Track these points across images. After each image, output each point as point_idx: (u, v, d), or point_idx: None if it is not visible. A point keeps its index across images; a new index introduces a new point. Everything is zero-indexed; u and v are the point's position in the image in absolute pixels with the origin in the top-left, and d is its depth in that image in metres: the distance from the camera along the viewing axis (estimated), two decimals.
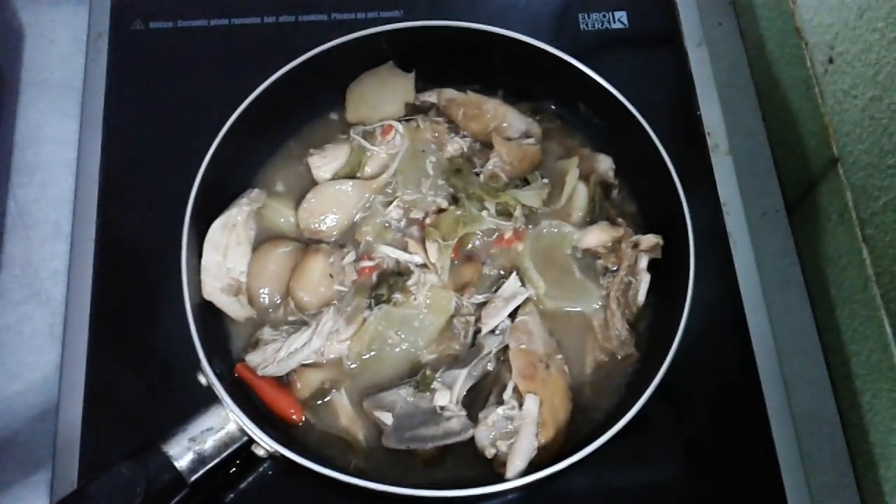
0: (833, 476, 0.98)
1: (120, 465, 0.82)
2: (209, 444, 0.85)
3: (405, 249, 0.98)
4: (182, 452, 0.84)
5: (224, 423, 0.86)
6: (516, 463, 0.86)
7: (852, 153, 0.96)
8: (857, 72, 0.94)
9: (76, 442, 0.95)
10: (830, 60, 1.00)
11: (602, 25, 1.19)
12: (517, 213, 0.99)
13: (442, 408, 0.90)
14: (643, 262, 0.97)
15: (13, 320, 1.04)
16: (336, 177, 1.02)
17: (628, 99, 1.00)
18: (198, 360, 0.88)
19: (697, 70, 1.16)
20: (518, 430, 0.87)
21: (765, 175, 1.13)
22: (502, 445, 0.88)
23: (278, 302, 0.98)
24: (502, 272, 0.99)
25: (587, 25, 1.19)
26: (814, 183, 1.05)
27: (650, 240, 0.97)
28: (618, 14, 1.19)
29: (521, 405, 0.88)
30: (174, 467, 0.84)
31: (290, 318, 0.97)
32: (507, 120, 1.04)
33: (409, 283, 0.95)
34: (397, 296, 0.95)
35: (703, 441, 0.99)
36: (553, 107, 1.09)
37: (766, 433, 0.98)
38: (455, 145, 1.03)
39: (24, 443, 0.98)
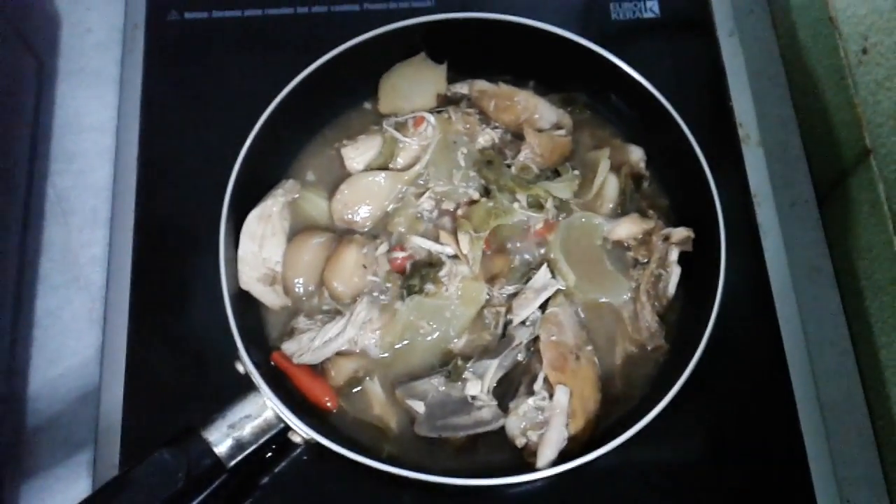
0: (861, 467, 0.98)
1: (162, 451, 0.83)
2: (247, 430, 0.87)
3: (437, 240, 0.98)
4: (221, 439, 0.86)
5: (261, 410, 0.87)
6: (546, 453, 0.87)
7: (885, 145, 0.95)
8: (892, 63, 0.92)
9: (118, 425, 0.97)
10: (864, 51, 0.99)
11: (633, 14, 1.17)
12: (548, 204, 0.99)
13: (473, 397, 0.91)
14: (674, 255, 0.97)
15: (53, 305, 1.06)
16: (369, 168, 1.02)
17: (659, 89, 0.99)
18: (235, 349, 0.89)
19: (729, 60, 1.15)
20: (548, 421, 0.88)
21: (795, 165, 1.12)
22: (532, 435, 0.89)
23: (313, 291, 0.99)
24: (533, 263, 0.99)
25: (618, 15, 1.17)
26: (845, 174, 1.04)
27: (681, 233, 0.97)
28: (649, 3, 1.18)
29: (551, 396, 0.89)
30: (214, 453, 0.85)
31: (325, 308, 0.98)
32: (538, 111, 1.04)
33: (441, 273, 0.95)
34: (429, 286, 0.95)
35: (730, 431, 0.99)
36: (584, 98, 1.08)
37: (795, 424, 0.98)
38: (486, 137, 1.03)
39: (66, 424, 1.00)
